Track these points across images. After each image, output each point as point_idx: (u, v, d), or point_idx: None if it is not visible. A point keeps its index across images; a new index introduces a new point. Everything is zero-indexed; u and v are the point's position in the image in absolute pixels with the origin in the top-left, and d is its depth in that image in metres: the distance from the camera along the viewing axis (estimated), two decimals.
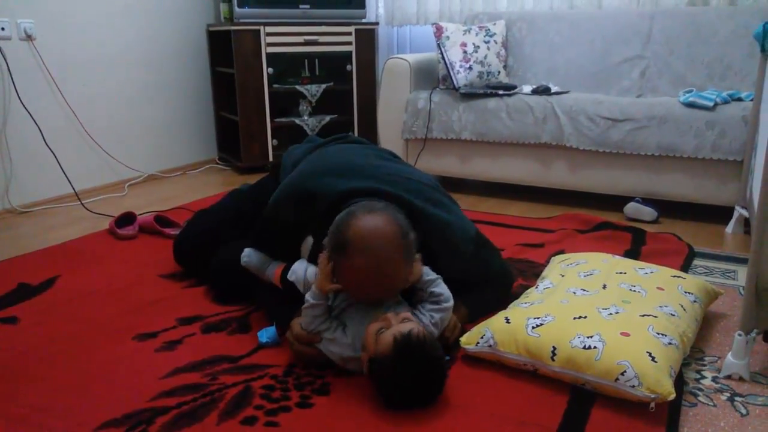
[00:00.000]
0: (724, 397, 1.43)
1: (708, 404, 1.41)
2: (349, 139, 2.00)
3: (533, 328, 1.52)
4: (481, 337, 1.56)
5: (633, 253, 2.31)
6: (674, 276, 1.79)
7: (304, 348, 1.54)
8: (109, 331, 1.78)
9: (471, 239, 1.69)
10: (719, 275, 2.15)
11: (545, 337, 1.48)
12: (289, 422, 1.35)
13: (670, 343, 1.43)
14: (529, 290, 1.83)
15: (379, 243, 1.38)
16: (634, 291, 1.68)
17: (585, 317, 1.52)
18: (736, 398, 1.43)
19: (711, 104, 2.63)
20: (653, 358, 1.36)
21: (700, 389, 1.47)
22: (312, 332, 1.51)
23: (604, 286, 1.70)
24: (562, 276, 1.83)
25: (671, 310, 1.58)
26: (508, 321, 1.57)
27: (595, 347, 1.41)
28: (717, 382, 1.49)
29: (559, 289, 1.73)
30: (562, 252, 2.33)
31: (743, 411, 1.38)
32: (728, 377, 1.51)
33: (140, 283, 2.13)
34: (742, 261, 2.27)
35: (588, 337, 1.44)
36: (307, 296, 1.50)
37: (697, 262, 2.27)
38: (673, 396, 1.31)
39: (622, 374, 1.36)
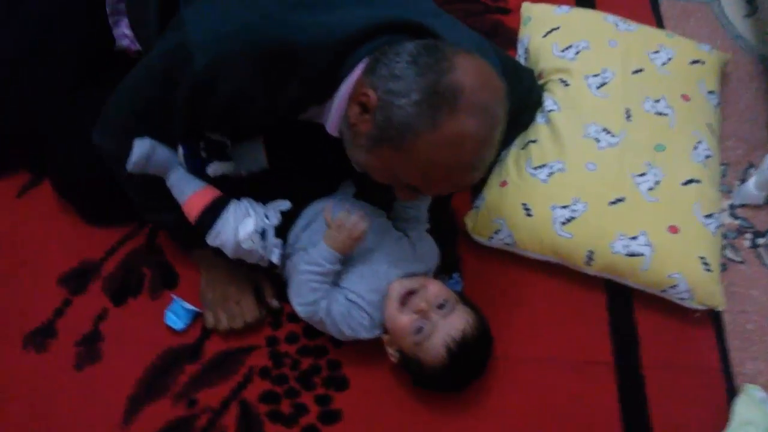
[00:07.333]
0: (746, 242, 1.35)
1: (736, 261, 1.33)
2: None
3: (562, 224, 1.23)
4: (496, 232, 1.27)
5: None
6: (693, 62, 1.46)
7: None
8: None
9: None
10: None
11: (579, 238, 1.22)
12: None
13: (717, 227, 1.25)
14: (534, 126, 1.37)
15: (495, 100, 0.88)
16: (661, 115, 1.36)
17: (622, 200, 1.24)
18: (758, 240, 1.35)
19: None
20: (707, 266, 1.20)
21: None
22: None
23: (628, 117, 1.34)
24: (567, 85, 1.39)
25: (705, 148, 1.33)
26: (528, 213, 1.25)
27: (641, 254, 1.20)
28: (735, 217, 1.38)
29: (575, 125, 1.32)
30: None
31: None
32: (743, 206, 1.40)
33: None
34: None
35: (632, 238, 1.21)
36: (306, 264, 1.09)
37: None
38: (723, 307, 1.22)
39: (672, 287, 1.21)
